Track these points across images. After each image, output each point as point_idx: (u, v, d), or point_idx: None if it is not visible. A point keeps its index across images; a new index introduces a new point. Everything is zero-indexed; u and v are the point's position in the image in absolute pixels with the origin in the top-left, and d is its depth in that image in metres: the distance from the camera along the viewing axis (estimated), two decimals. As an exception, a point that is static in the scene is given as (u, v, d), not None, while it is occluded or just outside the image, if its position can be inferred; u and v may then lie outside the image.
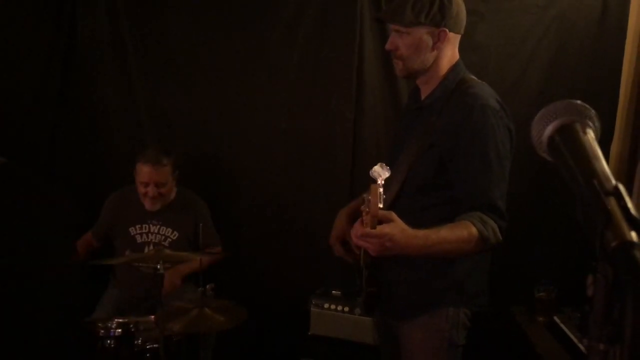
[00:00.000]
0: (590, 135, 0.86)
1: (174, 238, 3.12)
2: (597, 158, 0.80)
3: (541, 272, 2.88)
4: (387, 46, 1.99)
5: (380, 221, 1.67)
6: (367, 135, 3.19)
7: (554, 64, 2.94)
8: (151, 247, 3.09)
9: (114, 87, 3.50)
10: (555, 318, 2.48)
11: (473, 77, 2.02)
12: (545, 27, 2.92)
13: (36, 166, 3.51)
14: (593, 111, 0.89)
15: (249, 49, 3.31)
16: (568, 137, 0.86)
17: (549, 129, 0.89)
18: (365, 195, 1.73)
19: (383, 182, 1.69)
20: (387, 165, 1.76)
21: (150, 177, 3.03)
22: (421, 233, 1.73)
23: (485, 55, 2.96)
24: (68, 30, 3.46)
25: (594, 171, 0.77)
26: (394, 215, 1.69)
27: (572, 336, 2.30)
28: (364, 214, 1.75)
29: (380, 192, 1.65)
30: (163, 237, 3.11)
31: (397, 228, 1.67)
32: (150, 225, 3.13)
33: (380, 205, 1.64)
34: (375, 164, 1.77)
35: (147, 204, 3.08)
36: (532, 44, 2.95)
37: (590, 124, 0.88)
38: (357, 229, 1.74)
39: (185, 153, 3.32)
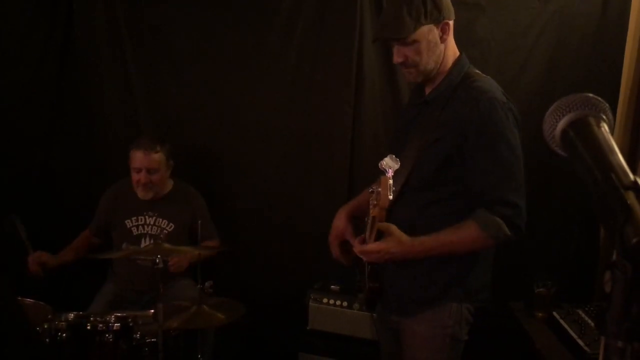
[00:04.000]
0: (605, 128, 0.84)
1: (170, 230, 3.10)
2: (613, 152, 0.79)
3: (540, 267, 2.88)
4: (395, 60, 1.97)
5: (380, 232, 1.69)
6: (366, 130, 3.17)
7: (554, 58, 2.93)
8: (147, 239, 3.08)
9: (111, 81, 3.47)
10: (554, 314, 2.47)
11: (477, 71, 2.02)
12: (545, 22, 2.91)
13: (33, 162, 3.48)
14: (606, 104, 0.88)
15: (247, 43, 3.29)
16: (582, 131, 0.84)
17: (562, 123, 0.87)
18: (374, 188, 1.73)
19: (393, 174, 1.69)
20: (396, 157, 1.76)
21: (142, 163, 3.01)
22: (417, 241, 1.78)
23: (485, 50, 2.95)
24: (64, 24, 3.42)
25: (611, 165, 0.76)
26: (392, 228, 1.73)
27: (571, 332, 2.29)
28: (371, 206, 1.74)
29: (390, 184, 1.65)
30: (159, 229, 3.09)
31: (393, 241, 1.73)
32: (146, 217, 3.11)
33: (390, 197, 1.64)
34: (374, 159, 1.76)
35: (140, 192, 3.06)
36: (532, 38, 2.93)
37: (604, 117, 0.86)
38: (356, 245, 1.82)
39: (183, 147, 3.30)
